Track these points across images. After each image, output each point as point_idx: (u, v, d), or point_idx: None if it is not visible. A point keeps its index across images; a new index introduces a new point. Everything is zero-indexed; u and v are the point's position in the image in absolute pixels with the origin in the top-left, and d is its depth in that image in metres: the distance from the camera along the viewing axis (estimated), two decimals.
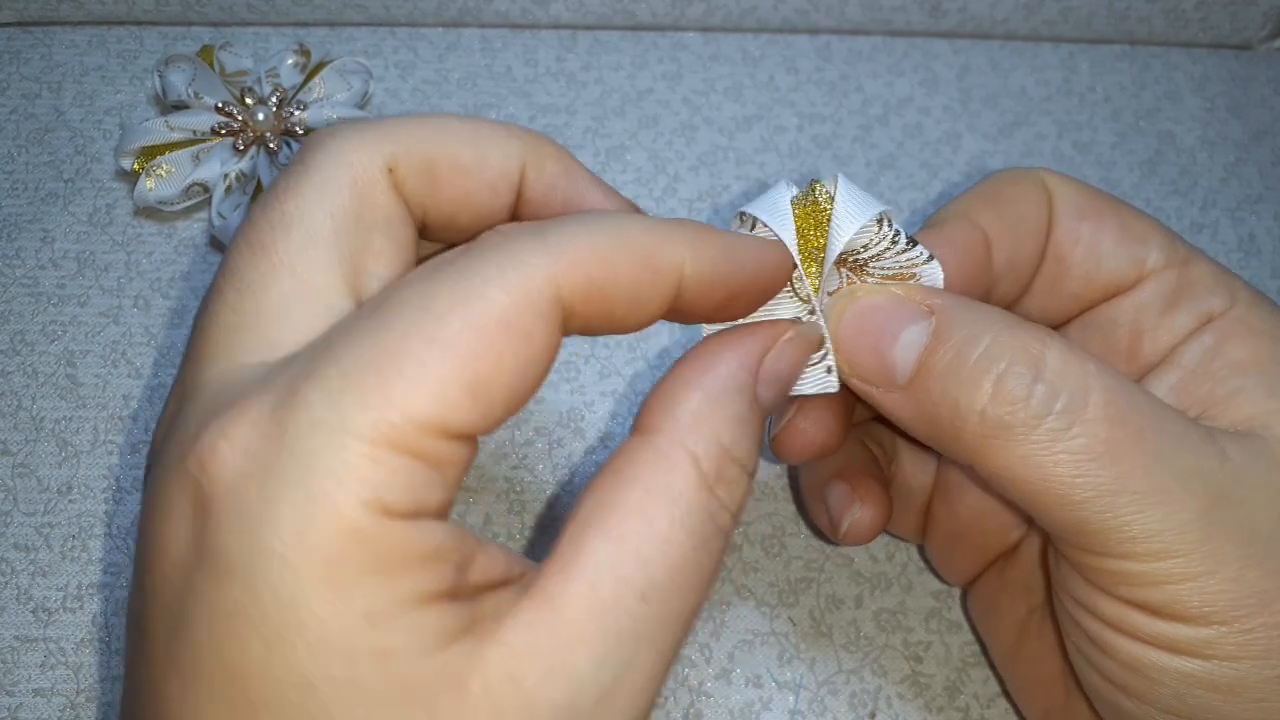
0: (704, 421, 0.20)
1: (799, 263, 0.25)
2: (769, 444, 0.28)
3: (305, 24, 0.46)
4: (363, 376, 0.18)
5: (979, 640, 0.34)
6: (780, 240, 0.24)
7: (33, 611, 0.33)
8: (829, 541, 0.35)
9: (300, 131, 0.40)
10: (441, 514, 0.19)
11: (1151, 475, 0.22)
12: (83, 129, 0.42)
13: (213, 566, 0.17)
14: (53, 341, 0.38)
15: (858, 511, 0.30)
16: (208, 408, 0.19)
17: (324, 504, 0.17)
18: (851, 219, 0.24)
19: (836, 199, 0.24)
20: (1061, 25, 0.47)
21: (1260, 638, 0.22)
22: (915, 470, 0.32)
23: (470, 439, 0.19)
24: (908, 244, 0.25)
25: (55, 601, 0.33)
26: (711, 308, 0.22)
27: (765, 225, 0.25)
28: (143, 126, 0.39)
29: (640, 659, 0.18)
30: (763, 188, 0.43)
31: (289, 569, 0.17)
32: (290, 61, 0.42)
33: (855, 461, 0.31)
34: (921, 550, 0.35)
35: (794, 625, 0.34)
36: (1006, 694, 0.33)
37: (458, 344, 0.18)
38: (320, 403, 0.17)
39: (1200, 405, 0.25)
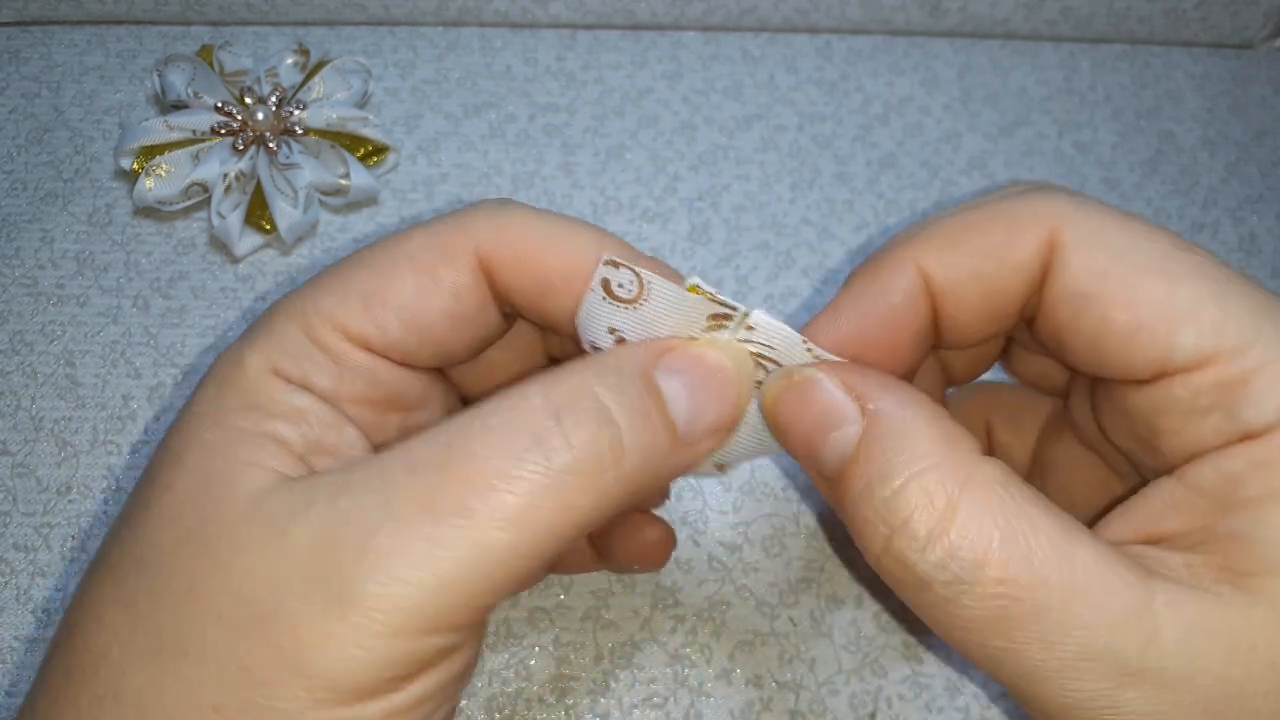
0: (574, 369, 0.22)
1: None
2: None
3: (305, 23, 0.45)
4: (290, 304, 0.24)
5: None
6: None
7: (32, 612, 0.33)
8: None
9: (300, 131, 0.40)
10: (326, 397, 0.23)
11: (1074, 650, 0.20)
12: (82, 129, 0.42)
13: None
14: (52, 341, 0.38)
15: None
16: None
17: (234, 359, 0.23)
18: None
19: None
20: (1062, 25, 0.47)
21: None
22: None
23: (367, 348, 0.24)
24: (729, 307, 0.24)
25: (55, 601, 0.33)
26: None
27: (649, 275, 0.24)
28: (142, 126, 0.39)
29: (375, 506, 0.20)
30: (763, 187, 0.43)
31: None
32: (290, 61, 0.42)
33: None
34: None
35: (794, 625, 0.34)
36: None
37: (371, 263, 0.24)
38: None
39: (1201, 541, 0.21)
